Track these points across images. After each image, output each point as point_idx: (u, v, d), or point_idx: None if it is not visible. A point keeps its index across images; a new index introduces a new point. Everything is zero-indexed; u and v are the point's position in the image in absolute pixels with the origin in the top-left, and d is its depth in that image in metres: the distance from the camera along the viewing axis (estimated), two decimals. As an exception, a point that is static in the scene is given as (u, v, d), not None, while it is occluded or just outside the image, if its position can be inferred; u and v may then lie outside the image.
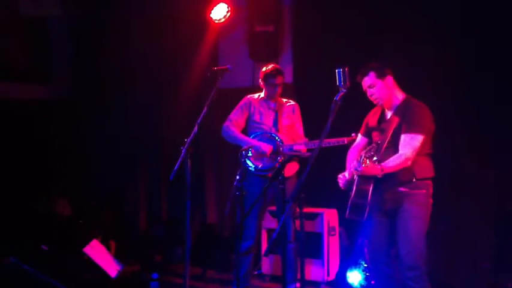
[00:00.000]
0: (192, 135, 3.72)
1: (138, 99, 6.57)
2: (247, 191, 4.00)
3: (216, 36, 6.29)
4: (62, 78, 6.67)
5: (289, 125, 4.72)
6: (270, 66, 4.66)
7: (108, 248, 5.35)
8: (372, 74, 3.49)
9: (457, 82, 4.57)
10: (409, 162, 3.32)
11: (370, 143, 3.60)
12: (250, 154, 4.60)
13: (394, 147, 3.39)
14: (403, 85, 3.60)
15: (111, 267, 4.76)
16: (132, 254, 5.72)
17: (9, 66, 6.27)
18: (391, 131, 3.42)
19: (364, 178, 3.37)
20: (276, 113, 4.73)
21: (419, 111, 3.41)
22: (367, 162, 3.24)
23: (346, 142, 4.13)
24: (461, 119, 4.54)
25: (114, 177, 6.47)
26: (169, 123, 6.38)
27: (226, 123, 4.73)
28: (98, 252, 4.78)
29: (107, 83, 6.51)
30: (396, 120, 3.43)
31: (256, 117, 4.73)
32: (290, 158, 3.64)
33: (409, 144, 3.32)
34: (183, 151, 3.68)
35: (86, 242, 4.77)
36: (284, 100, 4.80)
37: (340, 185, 3.59)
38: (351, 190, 3.46)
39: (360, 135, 3.81)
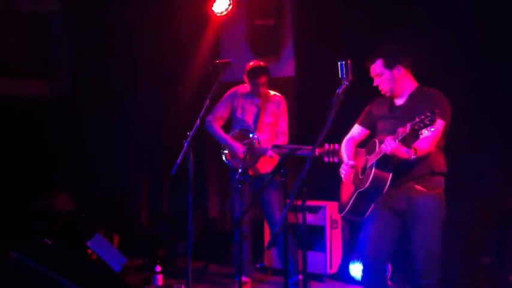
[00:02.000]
0: (194, 128, 3.72)
1: (139, 95, 6.57)
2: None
3: (217, 30, 6.28)
4: (63, 75, 6.67)
5: (272, 122, 4.74)
6: (254, 64, 4.67)
7: (111, 242, 5.36)
8: (379, 62, 3.25)
9: (459, 77, 4.54)
10: (434, 148, 3.11)
11: (372, 134, 3.44)
12: (226, 151, 4.79)
13: (416, 137, 2.96)
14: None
15: (115, 260, 4.77)
16: (134, 249, 5.73)
17: (9, 63, 6.27)
18: (408, 119, 2.94)
19: (384, 163, 3.05)
20: (259, 110, 4.74)
21: (440, 98, 3.19)
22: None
23: (317, 154, 3.47)
24: (463, 114, 4.51)
25: (115, 173, 6.47)
26: (170, 119, 6.38)
27: (209, 117, 4.81)
28: (101, 246, 4.79)
29: (108, 80, 6.52)
30: (413, 107, 3.13)
31: (238, 113, 4.81)
32: (291, 153, 3.59)
33: (435, 129, 2.91)
34: (185, 145, 3.68)
35: (90, 235, 4.78)
36: (271, 93, 4.79)
37: (344, 176, 3.40)
38: (354, 183, 3.30)
39: (358, 126, 3.55)
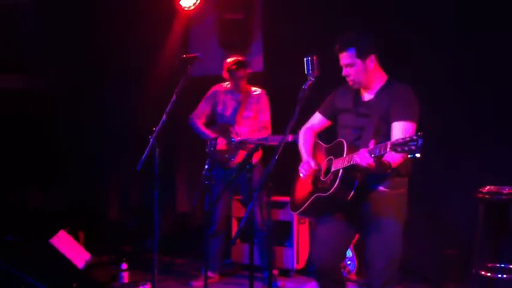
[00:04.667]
0: (160, 123, 3.69)
1: (107, 89, 6.48)
2: (215, 180, 4.04)
3: (186, 24, 6.24)
4: (33, 69, 6.54)
5: (252, 116, 4.79)
6: (232, 59, 4.73)
7: (77, 239, 5.29)
8: (351, 51, 2.98)
9: (424, 68, 4.61)
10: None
11: (333, 126, 3.26)
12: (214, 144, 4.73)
13: (381, 137, 2.88)
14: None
15: (78, 257, 4.71)
16: (102, 244, 5.68)
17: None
18: (377, 117, 2.94)
19: (352, 171, 2.84)
20: (238, 104, 4.80)
21: (410, 96, 2.97)
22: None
23: (290, 139, 3.72)
24: (441, 106, 4.58)
25: (84, 167, 6.39)
26: (140, 112, 6.31)
27: (192, 115, 4.93)
28: (65, 242, 4.72)
29: (76, 75, 6.41)
30: (382, 104, 2.96)
31: (219, 108, 4.89)
32: (256, 148, 3.59)
33: (403, 134, 2.76)
34: (151, 140, 3.65)
35: (53, 232, 4.70)
36: (252, 89, 4.84)
37: (303, 176, 3.14)
38: (314, 183, 3.10)
39: (319, 115, 3.32)
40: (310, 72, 2.97)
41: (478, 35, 4.47)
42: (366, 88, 3.08)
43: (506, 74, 4.36)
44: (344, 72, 3.05)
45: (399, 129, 2.87)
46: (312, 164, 3.12)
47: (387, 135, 2.89)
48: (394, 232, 2.98)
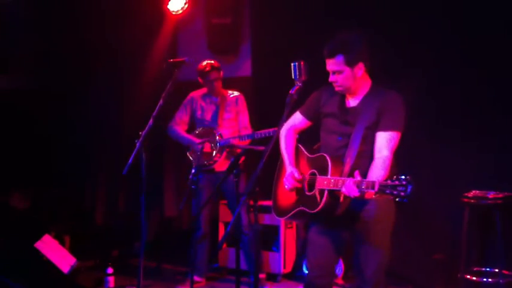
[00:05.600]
0: (147, 128, 3.68)
1: (95, 91, 6.44)
2: (201, 185, 4.04)
3: (174, 28, 6.22)
4: (20, 68, 6.48)
5: (232, 117, 4.84)
6: (204, 63, 4.78)
7: (62, 243, 5.25)
8: (340, 57, 2.89)
9: (412, 69, 4.64)
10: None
11: (314, 127, 3.18)
12: (190, 150, 4.85)
13: (368, 145, 2.88)
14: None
15: (63, 262, 4.67)
16: (88, 248, 5.64)
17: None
18: (363, 126, 2.88)
19: (337, 191, 2.78)
20: (217, 107, 4.84)
21: (400, 106, 2.92)
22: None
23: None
24: (425, 108, 4.60)
25: (71, 170, 6.36)
26: (128, 116, 6.28)
27: (171, 123, 4.95)
28: (50, 247, 4.68)
29: (65, 74, 6.37)
30: (368, 112, 2.90)
31: (198, 114, 4.93)
32: (244, 152, 3.58)
33: (389, 145, 2.83)
34: (137, 144, 3.64)
35: (38, 237, 4.66)
36: (229, 92, 4.91)
37: (287, 187, 3.06)
38: (298, 194, 3.04)
39: (300, 116, 3.23)
40: (297, 77, 2.96)
41: (458, 41, 4.51)
42: (352, 94, 3.02)
43: (494, 79, 4.39)
44: (331, 78, 2.98)
45: (384, 139, 2.85)
46: (296, 175, 3.03)
47: (373, 143, 2.88)
48: (383, 237, 2.98)
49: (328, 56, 2.94)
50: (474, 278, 4.19)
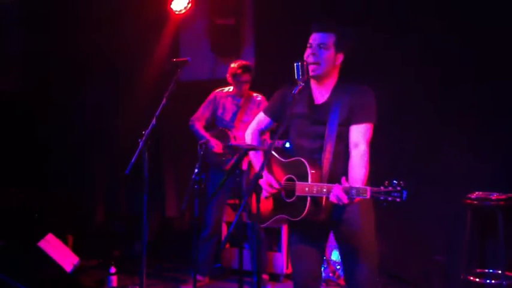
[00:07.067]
0: (150, 127, 3.67)
1: (95, 91, 6.44)
2: (206, 184, 4.03)
3: (176, 28, 6.22)
4: (16, 68, 6.49)
5: (251, 120, 4.77)
6: (237, 64, 4.75)
7: (65, 242, 5.26)
8: (332, 36, 2.85)
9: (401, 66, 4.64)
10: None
11: (281, 128, 2.92)
12: (204, 148, 4.72)
13: (343, 144, 2.83)
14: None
15: (67, 261, 4.68)
16: (89, 248, 5.65)
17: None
18: (336, 123, 2.81)
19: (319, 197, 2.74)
20: (238, 108, 4.85)
21: (369, 98, 2.87)
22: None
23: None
24: (416, 108, 4.61)
25: (71, 170, 6.36)
26: (128, 116, 6.28)
27: (192, 118, 4.95)
28: (53, 246, 4.69)
29: (63, 75, 6.38)
30: (339, 108, 2.82)
31: (219, 112, 4.92)
32: (246, 152, 3.58)
33: (365, 137, 2.78)
34: (140, 144, 3.63)
35: (41, 236, 4.67)
36: (254, 94, 4.90)
37: (265, 196, 2.97)
38: (276, 200, 2.96)
39: (265, 117, 3.19)
40: (300, 77, 2.94)
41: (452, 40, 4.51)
42: (319, 84, 2.94)
43: (491, 79, 4.39)
44: (312, 50, 2.87)
45: (359, 132, 2.80)
46: (274, 183, 2.93)
47: (347, 138, 2.83)
48: (370, 238, 2.91)
49: (320, 30, 2.88)
50: (477, 280, 4.19)
